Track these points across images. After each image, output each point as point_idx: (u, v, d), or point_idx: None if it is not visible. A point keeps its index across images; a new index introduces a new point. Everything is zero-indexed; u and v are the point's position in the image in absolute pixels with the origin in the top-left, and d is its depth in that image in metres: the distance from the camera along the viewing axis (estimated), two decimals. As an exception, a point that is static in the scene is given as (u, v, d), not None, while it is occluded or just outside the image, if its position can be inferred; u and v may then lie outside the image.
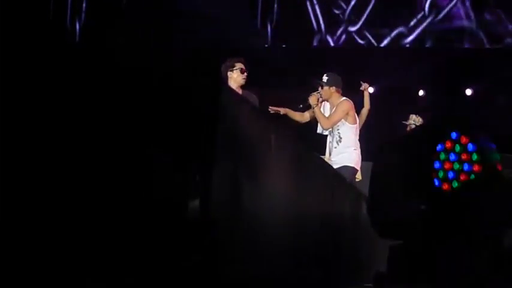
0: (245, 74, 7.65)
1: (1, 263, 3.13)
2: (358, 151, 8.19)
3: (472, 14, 11.89)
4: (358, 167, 8.18)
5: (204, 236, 3.05)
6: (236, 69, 7.64)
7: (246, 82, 7.68)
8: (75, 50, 3.55)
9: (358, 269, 7.33)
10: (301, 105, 8.11)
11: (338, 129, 8.05)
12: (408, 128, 10.00)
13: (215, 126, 3.15)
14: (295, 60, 11.57)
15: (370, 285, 7.45)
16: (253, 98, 7.70)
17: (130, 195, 3.10)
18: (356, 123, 8.14)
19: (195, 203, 3.07)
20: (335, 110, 8.04)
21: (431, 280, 3.76)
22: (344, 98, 8.14)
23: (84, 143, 3.19)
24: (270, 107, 8.04)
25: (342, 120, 8.03)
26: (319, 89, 8.08)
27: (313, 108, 8.04)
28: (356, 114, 8.19)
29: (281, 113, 8.07)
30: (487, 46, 11.93)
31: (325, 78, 8.07)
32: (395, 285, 3.96)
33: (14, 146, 3.24)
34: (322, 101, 8.13)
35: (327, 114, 8.12)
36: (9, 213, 3.16)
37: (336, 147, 8.01)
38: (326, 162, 7.10)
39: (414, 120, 10.02)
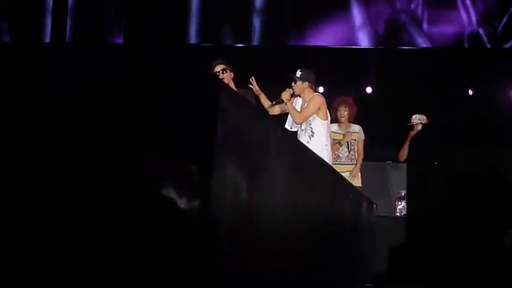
0: (226, 73, 7.63)
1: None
2: (329, 148, 8.25)
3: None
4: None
5: (204, 236, 3.04)
6: (218, 71, 7.64)
7: (229, 81, 7.61)
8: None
9: (358, 269, 7.34)
10: (273, 102, 8.17)
11: (310, 124, 8.12)
12: (414, 128, 9.94)
13: (215, 125, 3.14)
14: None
15: (370, 285, 7.48)
16: (249, 96, 7.72)
17: (130, 195, 3.10)
18: (327, 119, 8.22)
19: (195, 203, 3.06)
20: (307, 104, 8.13)
21: (431, 280, 3.76)
22: (316, 93, 8.23)
23: (83, 143, 3.19)
24: (252, 80, 8.03)
25: (314, 115, 8.09)
26: (292, 83, 8.15)
27: (286, 103, 8.10)
28: (328, 110, 8.25)
29: (255, 92, 8.06)
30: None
31: (298, 73, 8.18)
32: (395, 285, 3.96)
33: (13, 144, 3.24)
34: (295, 96, 8.19)
35: (299, 109, 8.16)
36: (8, 214, 3.16)
37: (308, 142, 8.02)
38: (326, 162, 7.10)
39: (419, 119, 9.96)
